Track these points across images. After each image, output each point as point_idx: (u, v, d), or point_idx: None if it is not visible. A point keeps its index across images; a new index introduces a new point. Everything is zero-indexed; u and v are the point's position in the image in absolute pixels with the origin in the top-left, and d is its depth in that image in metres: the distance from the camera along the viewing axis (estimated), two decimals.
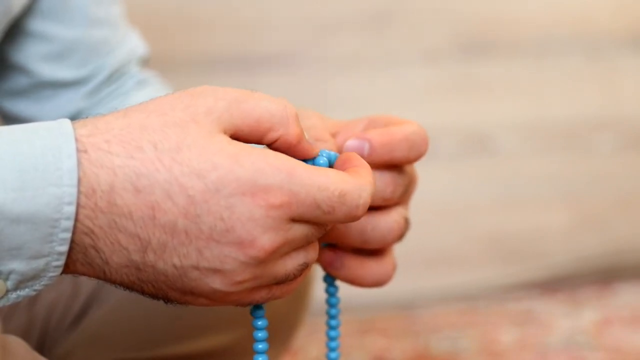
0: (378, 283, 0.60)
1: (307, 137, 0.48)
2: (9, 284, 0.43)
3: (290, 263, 0.47)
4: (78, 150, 0.42)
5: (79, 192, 0.41)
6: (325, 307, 0.63)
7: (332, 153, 0.51)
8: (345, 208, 0.45)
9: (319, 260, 0.59)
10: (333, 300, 0.62)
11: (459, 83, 1.65)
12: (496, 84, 1.66)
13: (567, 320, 1.46)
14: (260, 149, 0.44)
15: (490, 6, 1.67)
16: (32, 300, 0.77)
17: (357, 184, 0.46)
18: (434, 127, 1.68)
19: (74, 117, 0.79)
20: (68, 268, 0.44)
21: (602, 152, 1.66)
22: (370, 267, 0.59)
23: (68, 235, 0.42)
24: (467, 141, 1.66)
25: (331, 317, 0.62)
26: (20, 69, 0.78)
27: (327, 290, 0.62)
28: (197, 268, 0.44)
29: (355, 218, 0.46)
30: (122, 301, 0.76)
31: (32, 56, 0.78)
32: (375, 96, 1.65)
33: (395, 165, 0.56)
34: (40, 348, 0.77)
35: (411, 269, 1.63)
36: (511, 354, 1.34)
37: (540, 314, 1.52)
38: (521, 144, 1.66)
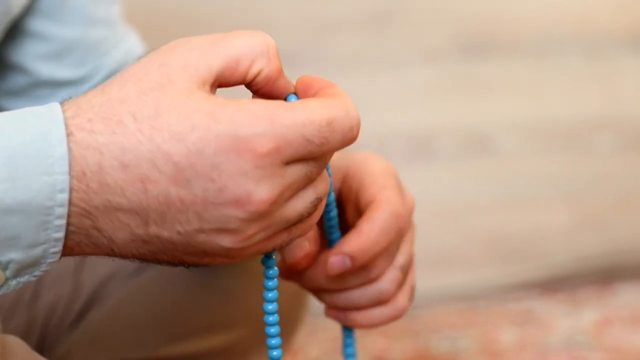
0: (392, 320, 0.60)
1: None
2: (8, 272, 0.43)
3: (300, 203, 0.46)
4: (66, 135, 0.41)
5: (70, 177, 0.41)
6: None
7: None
8: (338, 135, 0.44)
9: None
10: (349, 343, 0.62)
11: (459, 83, 1.65)
12: (496, 84, 1.66)
13: (567, 320, 1.46)
14: (237, 100, 0.43)
15: (490, 6, 1.67)
16: (33, 299, 0.77)
17: (341, 106, 0.45)
18: (434, 127, 1.68)
19: None
20: (74, 250, 0.44)
21: (602, 152, 1.66)
22: (379, 313, 0.60)
23: (63, 221, 0.42)
24: (467, 141, 1.66)
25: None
26: (19, 69, 0.78)
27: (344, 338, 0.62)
28: (202, 231, 0.43)
29: (352, 140, 0.45)
30: (123, 301, 0.76)
31: (31, 55, 0.78)
32: (375, 96, 1.65)
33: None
34: (40, 348, 0.77)
35: None
36: (511, 354, 1.34)
37: (540, 314, 1.52)
38: (521, 144, 1.66)
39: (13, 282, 0.44)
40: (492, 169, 1.68)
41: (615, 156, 1.65)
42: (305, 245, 0.58)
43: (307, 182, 0.45)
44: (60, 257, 0.44)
